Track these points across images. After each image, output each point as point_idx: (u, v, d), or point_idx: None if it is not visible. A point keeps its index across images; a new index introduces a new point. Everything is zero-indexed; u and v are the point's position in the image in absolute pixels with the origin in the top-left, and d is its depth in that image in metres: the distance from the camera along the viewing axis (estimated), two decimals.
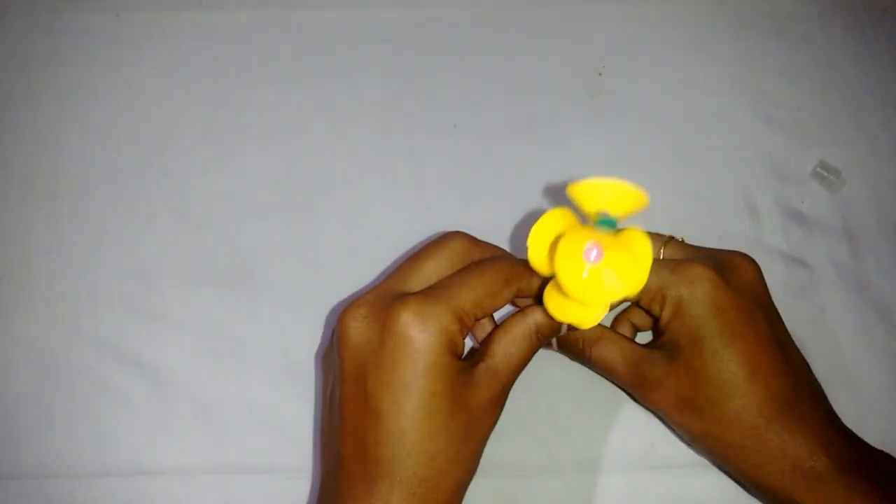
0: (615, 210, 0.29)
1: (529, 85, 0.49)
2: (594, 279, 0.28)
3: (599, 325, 0.37)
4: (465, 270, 0.33)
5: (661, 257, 0.38)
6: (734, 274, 0.35)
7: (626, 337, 0.37)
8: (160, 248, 0.44)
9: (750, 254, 0.45)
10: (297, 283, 0.44)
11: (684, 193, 0.46)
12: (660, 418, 0.39)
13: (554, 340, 0.38)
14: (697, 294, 0.34)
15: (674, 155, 0.47)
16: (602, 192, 0.29)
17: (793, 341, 0.36)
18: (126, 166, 0.46)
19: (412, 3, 0.50)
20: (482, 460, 0.40)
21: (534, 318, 0.34)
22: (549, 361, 0.42)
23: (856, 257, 0.45)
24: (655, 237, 0.39)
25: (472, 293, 0.32)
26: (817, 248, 0.45)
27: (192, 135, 0.47)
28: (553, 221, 0.31)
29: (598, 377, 0.41)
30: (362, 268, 0.44)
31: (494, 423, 0.34)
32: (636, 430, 0.40)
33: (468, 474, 0.33)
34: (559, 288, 0.29)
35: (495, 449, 0.40)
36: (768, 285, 0.44)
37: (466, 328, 0.32)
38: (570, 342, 0.37)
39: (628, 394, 0.40)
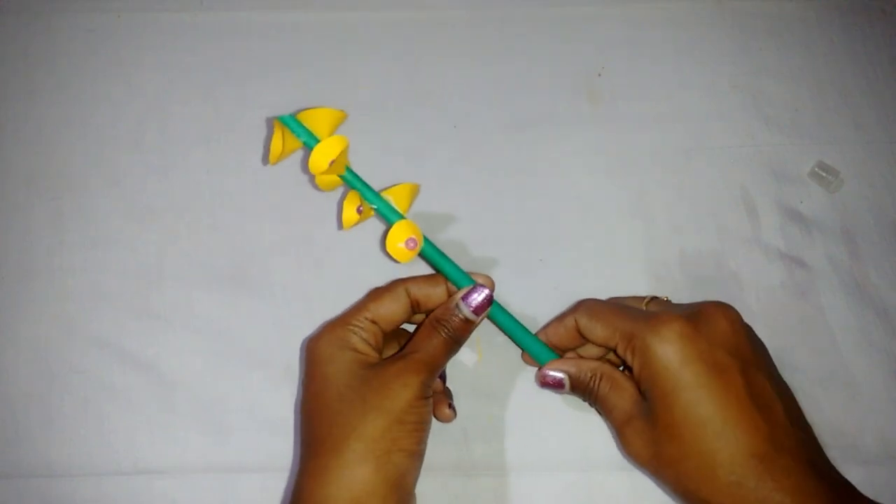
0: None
1: (529, 85, 0.49)
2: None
3: (608, 364, 0.38)
4: None
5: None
6: (709, 325, 0.35)
7: (632, 380, 0.37)
8: (160, 247, 0.44)
9: (749, 254, 0.45)
10: (298, 283, 0.44)
11: (684, 193, 0.46)
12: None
13: (567, 381, 0.38)
14: (666, 346, 0.34)
15: (673, 155, 0.47)
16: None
17: (777, 387, 0.35)
18: (127, 166, 0.46)
19: (412, 3, 0.51)
20: (483, 460, 0.40)
21: (433, 313, 0.38)
22: None
23: (854, 257, 0.45)
24: (638, 299, 0.40)
25: (356, 304, 0.39)
26: (816, 247, 0.46)
27: (193, 135, 0.47)
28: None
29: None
30: (362, 267, 0.44)
31: (413, 396, 0.35)
32: None
33: (376, 425, 0.34)
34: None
35: (495, 449, 0.41)
36: (768, 287, 0.44)
37: (360, 328, 0.37)
38: (580, 382, 0.38)
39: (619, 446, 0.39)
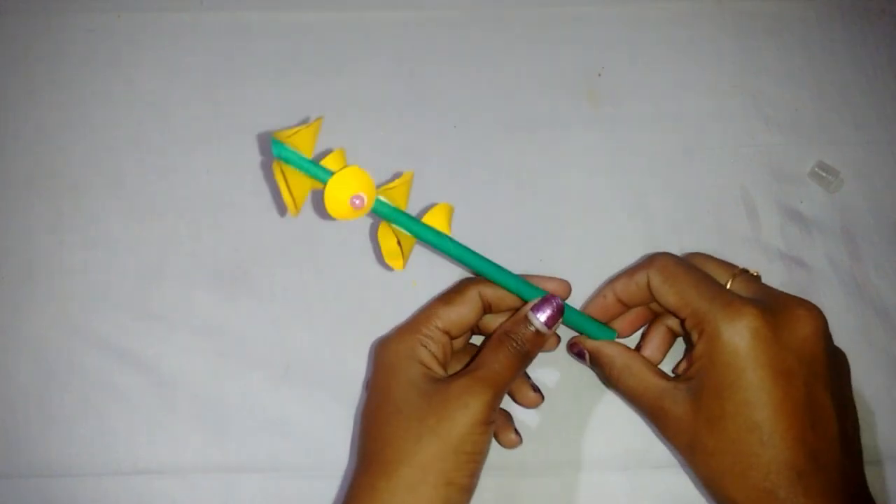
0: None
1: (529, 85, 0.49)
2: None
3: (630, 351, 0.37)
4: None
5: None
6: (788, 326, 0.33)
7: (652, 367, 0.36)
8: (160, 248, 0.44)
9: (749, 254, 0.45)
10: (297, 282, 0.44)
11: (683, 194, 0.46)
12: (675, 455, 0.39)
13: (587, 356, 0.39)
14: (737, 340, 0.32)
15: (673, 155, 0.47)
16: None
17: (839, 407, 0.33)
18: (126, 166, 0.46)
19: (412, 3, 0.50)
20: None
21: (503, 325, 0.37)
22: (549, 363, 0.42)
23: (854, 257, 0.45)
24: (726, 267, 0.38)
25: (424, 310, 0.38)
26: (816, 248, 0.46)
27: (193, 135, 0.47)
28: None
29: (598, 378, 0.41)
30: (362, 267, 0.44)
31: (476, 417, 0.33)
32: (636, 430, 0.40)
33: (434, 450, 0.33)
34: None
35: (495, 449, 0.40)
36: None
37: (429, 338, 0.36)
38: (600, 364, 0.38)
39: (648, 425, 0.40)
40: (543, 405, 0.41)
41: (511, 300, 0.38)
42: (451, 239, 0.36)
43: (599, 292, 0.40)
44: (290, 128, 0.33)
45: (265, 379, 0.42)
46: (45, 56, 0.48)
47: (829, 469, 0.32)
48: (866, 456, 0.41)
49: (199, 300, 0.43)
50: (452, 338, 0.37)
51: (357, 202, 0.33)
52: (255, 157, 0.47)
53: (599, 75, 0.49)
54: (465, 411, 0.33)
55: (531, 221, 0.46)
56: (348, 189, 0.33)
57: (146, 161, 0.46)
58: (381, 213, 0.34)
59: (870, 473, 0.40)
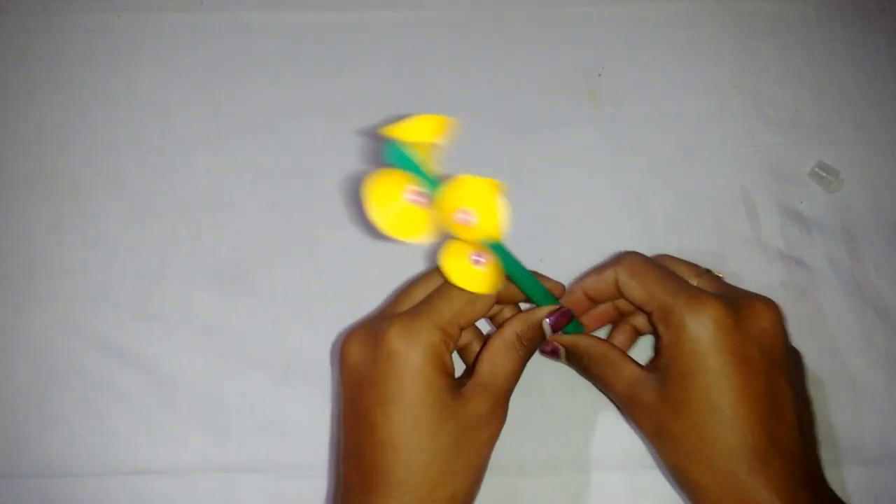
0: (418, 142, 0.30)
1: (529, 85, 0.49)
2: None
3: (604, 342, 0.38)
4: (444, 285, 0.36)
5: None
6: (749, 318, 0.34)
7: (627, 357, 0.37)
8: (160, 247, 0.44)
9: (749, 254, 0.45)
10: (297, 282, 0.44)
11: (683, 194, 0.46)
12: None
13: (563, 352, 0.39)
14: (700, 330, 0.33)
15: (673, 155, 0.47)
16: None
17: (796, 397, 0.34)
18: (126, 166, 0.46)
19: (412, 3, 0.50)
20: None
21: (512, 327, 0.36)
22: (549, 363, 0.42)
23: (854, 257, 0.45)
24: (691, 267, 0.39)
25: (450, 304, 0.34)
26: (816, 248, 0.45)
27: (193, 135, 0.47)
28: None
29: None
30: (362, 267, 0.44)
31: (493, 436, 0.34)
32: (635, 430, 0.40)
33: (465, 485, 0.33)
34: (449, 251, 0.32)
35: (495, 449, 0.40)
36: (768, 287, 0.44)
37: (451, 338, 0.34)
38: (577, 355, 0.38)
39: (623, 414, 0.40)
40: (543, 405, 0.41)
41: (517, 293, 0.38)
42: (520, 265, 0.36)
43: (569, 289, 0.40)
44: (399, 122, 0.29)
45: (265, 379, 0.42)
46: (45, 56, 0.48)
47: (789, 454, 0.33)
48: (867, 455, 0.41)
49: (199, 300, 0.43)
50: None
51: (461, 217, 0.30)
52: (255, 157, 0.47)
53: (599, 75, 0.49)
54: (491, 441, 0.34)
55: (531, 221, 0.46)
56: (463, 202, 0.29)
57: (146, 161, 0.46)
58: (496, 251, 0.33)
59: (870, 473, 0.40)
